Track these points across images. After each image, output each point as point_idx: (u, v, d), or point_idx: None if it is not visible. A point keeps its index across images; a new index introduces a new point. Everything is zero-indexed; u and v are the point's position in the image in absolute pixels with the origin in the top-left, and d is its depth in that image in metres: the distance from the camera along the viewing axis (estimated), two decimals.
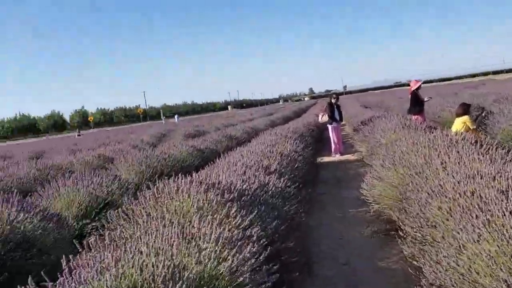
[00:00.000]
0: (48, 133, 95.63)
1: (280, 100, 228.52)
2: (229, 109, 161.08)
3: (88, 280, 2.48)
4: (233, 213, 3.48)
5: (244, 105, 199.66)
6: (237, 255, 2.77)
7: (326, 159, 11.27)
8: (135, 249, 2.73)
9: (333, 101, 12.09)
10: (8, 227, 4.30)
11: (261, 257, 2.92)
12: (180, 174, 4.33)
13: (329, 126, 11.94)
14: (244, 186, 3.91)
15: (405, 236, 3.78)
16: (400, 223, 4.18)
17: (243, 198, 3.66)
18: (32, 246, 4.44)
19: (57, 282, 2.54)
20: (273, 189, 4.56)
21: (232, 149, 12.56)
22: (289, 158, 6.71)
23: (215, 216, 3.37)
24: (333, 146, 11.91)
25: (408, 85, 12.59)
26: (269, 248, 3.16)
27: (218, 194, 3.56)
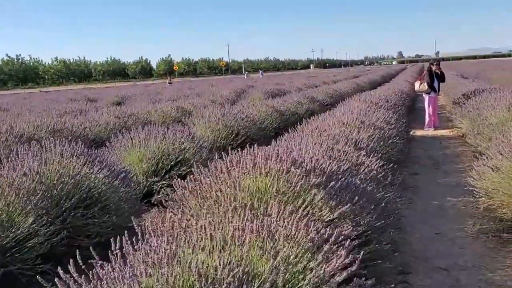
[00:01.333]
0: (135, 79, 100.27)
1: (366, 62, 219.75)
2: (311, 68, 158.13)
3: (136, 276, 1.98)
4: (318, 202, 2.83)
5: (328, 64, 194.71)
6: (324, 265, 2.14)
7: (418, 132, 10.14)
8: (196, 240, 2.19)
9: (433, 68, 10.75)
10: (72, 181, 4.00)
11: (353, 267, 2.26)
12: (256, 141, 3.75)
13: (426, 96, 10.69)
14: (333, 167, 3.22)
15: None
16: None
17: (331, 184, 2.97)
18: (95, 203, 4.14)
19: (105, 267, 2.08)
20: (366, 171, 3.83)
21: (314, 113, 11.79)
22: (381, 131, 5.86)
23: (297, 203, 2.74)
24: (427, 118, 10.71)
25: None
26: (361, 252, 2.50)
27: (302, 175, 2.91)
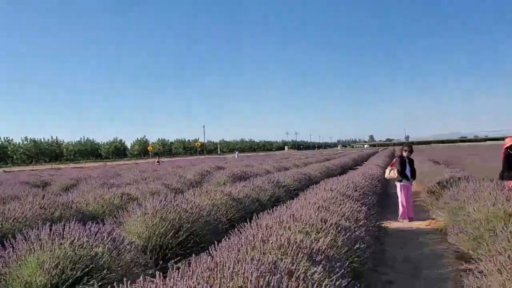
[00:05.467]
0: (109, 159, 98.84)
1: (339, 145, 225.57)
2: (285, 149, 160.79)
3: None
4: None
5: (302, 146, 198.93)
6: None
7: (392, 224, 9.06)
8: None
9: (404, 154, 9.93)
10: None
11: None
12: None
13: (398, 184, 9.75)
14: None
15: None
16: None
17: None
18: None
19: None
20: None
21: (279, 200, 10.66)
22: (347, 232, 4.73)
23: None
24: (400, 209, 9.67)
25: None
26: None
27: None
